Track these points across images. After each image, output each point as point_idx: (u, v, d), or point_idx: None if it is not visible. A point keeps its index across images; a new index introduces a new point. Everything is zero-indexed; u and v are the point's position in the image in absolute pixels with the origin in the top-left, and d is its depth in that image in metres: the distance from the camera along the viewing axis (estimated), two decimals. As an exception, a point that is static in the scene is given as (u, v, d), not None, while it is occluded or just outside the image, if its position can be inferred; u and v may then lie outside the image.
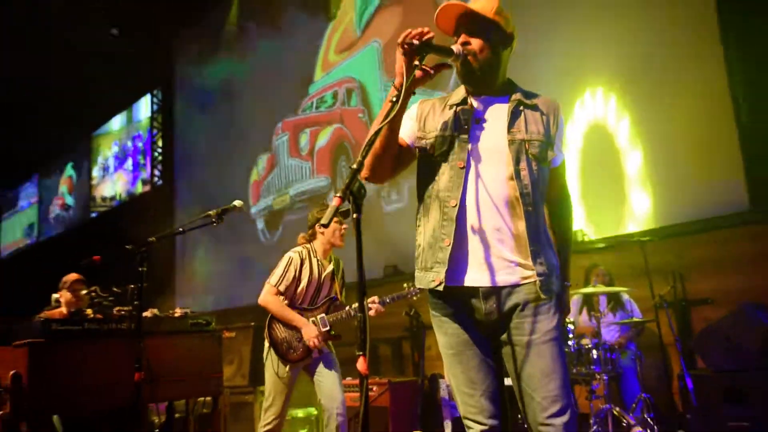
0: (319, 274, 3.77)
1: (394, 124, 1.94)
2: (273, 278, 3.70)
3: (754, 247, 4.51)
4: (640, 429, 4.00)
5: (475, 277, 1.93)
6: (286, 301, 3.71)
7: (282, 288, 3.69)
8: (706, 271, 4.72)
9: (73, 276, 4.78)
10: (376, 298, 3.71)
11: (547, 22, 5.57)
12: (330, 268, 3.82)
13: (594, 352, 4.22)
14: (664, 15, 4.96)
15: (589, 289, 4.41)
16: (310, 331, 3.60)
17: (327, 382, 3.65)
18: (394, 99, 1.85)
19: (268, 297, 3.69)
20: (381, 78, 6.78)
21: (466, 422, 2.00)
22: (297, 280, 3.72)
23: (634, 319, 4.57)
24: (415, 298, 3.85)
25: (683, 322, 4.71)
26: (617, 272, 4.87)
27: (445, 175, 2.00)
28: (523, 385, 1.91)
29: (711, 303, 4.64)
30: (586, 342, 4.25)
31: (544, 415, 1.86)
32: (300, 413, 5.80)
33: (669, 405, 4.54)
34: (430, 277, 1.97)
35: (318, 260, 3.80)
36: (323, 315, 3.69)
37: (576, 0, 5.56)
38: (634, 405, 4.23)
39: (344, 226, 3.81)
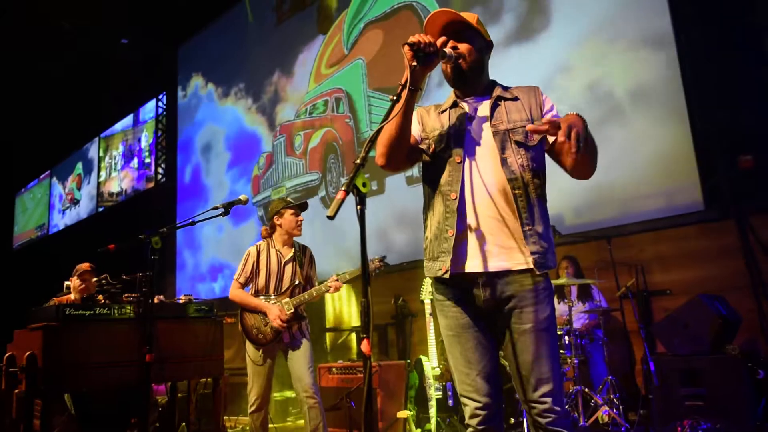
0: (279, 262, 3.72)
1: (404, 117, 1.90)
2: (236, 274, 3.73)
3: (708, 244, 4.54)
4: (607, 408, 4.01)
5: (475, 263, 1.91)
6: (252, 292, 3.70)
7: (242, 280, 3.71)
8: (666, 264, 4.75)
9: (85, 265, 4.70)
10: (335, 276, 3.67)
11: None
12: (289, 255, 3.77)
13: (565, 337, 4.22)
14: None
15: (561, 281, 4.40)
16: (273, 311, 3.56)
17: (295, 365, 3.59)
18: (395, 98, 1.82)
19: (233, 291, 3.72)
20: (364, 89, 7.10)
21: (463, 399, 1.97)
22: (256, 271, 3.70)
23: (602, 308, 4.59)
24: (373, 275, 3.71)
25: (645, 310, 4.73)
26: (586, 265, 4.87)
27: (445, 170, 1.98)
28: (518, 366, 1.90)
29: (669, 294, 4.68)
30: (558, 329, 4.24)
31: (536, 394, 1.86)
32: (291, 394, 5.75)
33: (632, 386, 4.56)
34: (437, 266, 1.95)
35: (277, 250, 3.76)
36: (287, 299, 3.65)
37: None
38: (601, 386, 4.24)
39: (300, 217, 3.80)
